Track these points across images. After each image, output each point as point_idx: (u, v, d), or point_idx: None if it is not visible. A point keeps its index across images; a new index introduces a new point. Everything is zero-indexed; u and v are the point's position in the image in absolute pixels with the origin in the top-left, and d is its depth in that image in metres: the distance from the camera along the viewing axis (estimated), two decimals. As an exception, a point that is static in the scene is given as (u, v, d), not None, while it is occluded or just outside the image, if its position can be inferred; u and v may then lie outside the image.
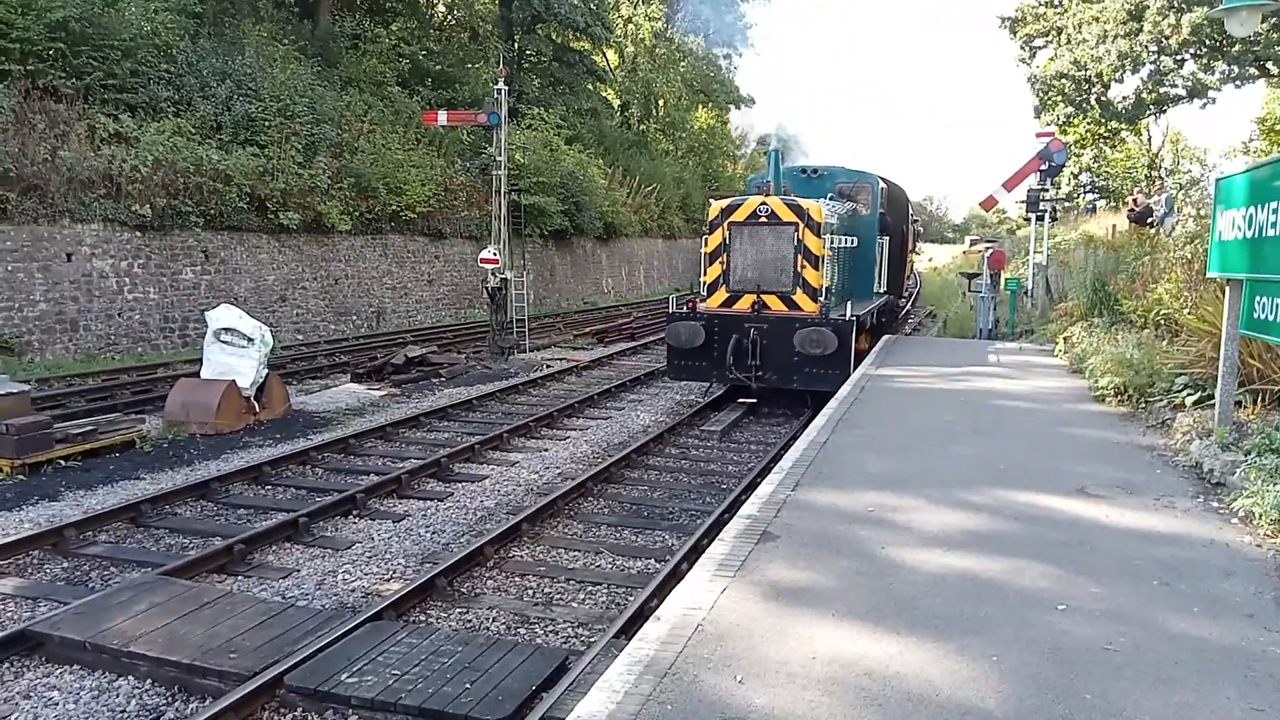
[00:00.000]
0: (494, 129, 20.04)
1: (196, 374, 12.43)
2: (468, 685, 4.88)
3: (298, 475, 9.80)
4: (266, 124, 21.28)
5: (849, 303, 13.43)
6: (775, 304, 13.31)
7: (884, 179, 18.04)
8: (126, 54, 18.92)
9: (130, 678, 5.24)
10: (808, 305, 13.19)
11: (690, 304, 13.92)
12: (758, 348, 12.92)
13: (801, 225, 13.14)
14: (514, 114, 30.58)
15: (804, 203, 13.46)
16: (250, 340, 11.95)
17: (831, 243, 13.68)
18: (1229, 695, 3.61)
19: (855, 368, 12.88)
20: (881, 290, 17.67)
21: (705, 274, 13.94)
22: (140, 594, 6.01)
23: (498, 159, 20.10)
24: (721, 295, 13.62)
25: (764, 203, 13.34)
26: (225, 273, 19.37)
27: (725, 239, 13.53)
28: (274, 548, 7.50)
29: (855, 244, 15.57)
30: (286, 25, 27.88)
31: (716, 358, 13.17)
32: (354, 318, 23.10)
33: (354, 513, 8.42)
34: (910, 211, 23.27)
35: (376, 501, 8.76)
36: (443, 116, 21.75)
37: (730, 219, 13.48)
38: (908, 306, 26.17)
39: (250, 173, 19.81)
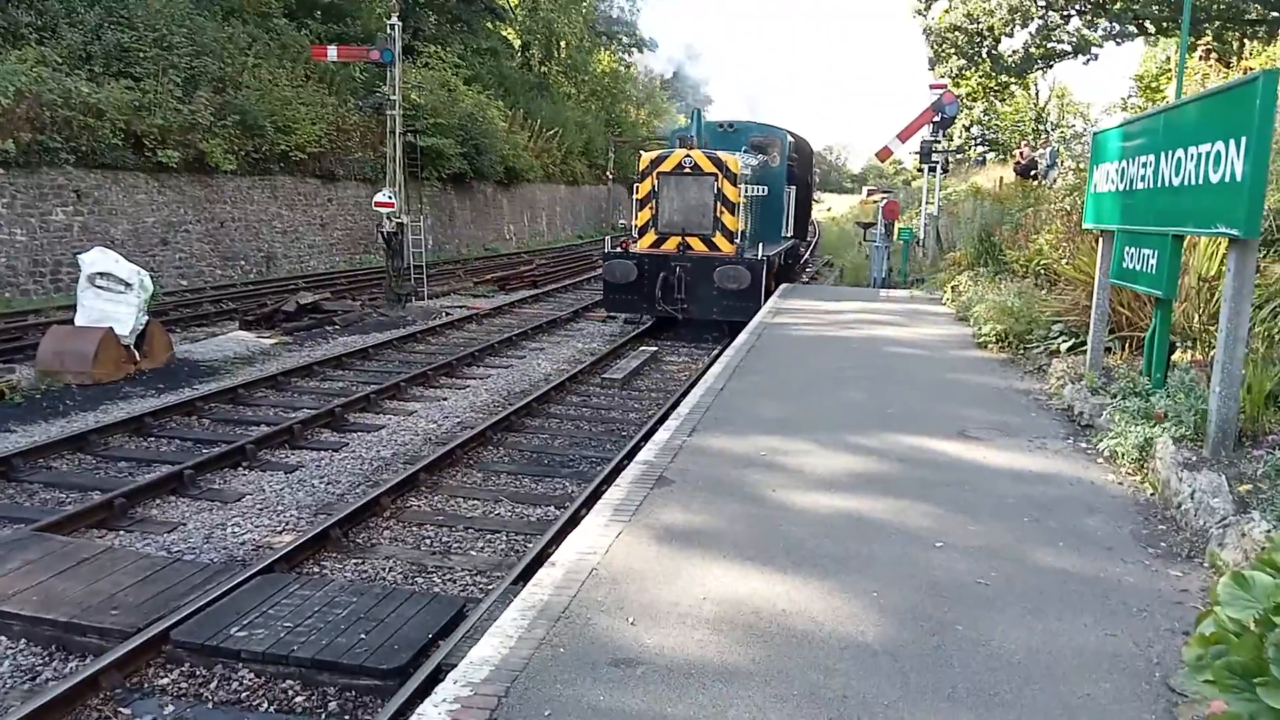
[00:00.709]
0: (388, 66, 19.29)
1: (70, 321, 11.78)
2: (362, 635, 4.85)
3: (183, 426, 9.44)
4: (141, 55, 20.03)
5: (761, 244, 15.29)
6: (698, 245, 14.98)
7: (792, 133, 19.52)
8: (-20, -26, 17.48)
9: (3, 638, 5.02)
10: (726, 246, 14.89)
11: (624, 244, 15.72)
12: (682, 284, 14.70)
13: (720, 176, 14.77)
14: (409, 51, 29.54)
15: (723, 156, 15.02)
16: (128, 285, 11.37)
17: (746, 191, 15.29)
18: (1087, 622, 3.87)
19: (765, 301, 14.53)
20: (789, 234, 19.54)
21: (636, 218, 15.49)
22: (12, 551, 5.73)
23: (392, 98, 19.39)
24: (651, 237, 15.23)
25: (688, 155, 15.01)
26: (100, 214, 18.29)
27: (654, 187, 15.12)
28: (158, 501, 7.24)
29: (766, 193, 17.18)
30: (161, -51, 26.09)
31: (647, 292, 14.89)
32: (242, 262, 22.19)
33: (243, 464, 8.18)
34: (813, 163, 25.46)
35: (267, 452, 8.52)
36: (332, 52, 20.80)
37: (659, 169, 15.08)
38: (807, 254, 27.72)
39: (125, 107, 18.64)
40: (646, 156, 15.54)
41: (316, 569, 6.14)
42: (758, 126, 18.81)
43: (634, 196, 15.59)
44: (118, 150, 18.50)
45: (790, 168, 18.85)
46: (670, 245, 14.99)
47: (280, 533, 6.72)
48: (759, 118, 19.36)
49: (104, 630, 4.95)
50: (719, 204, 14.79)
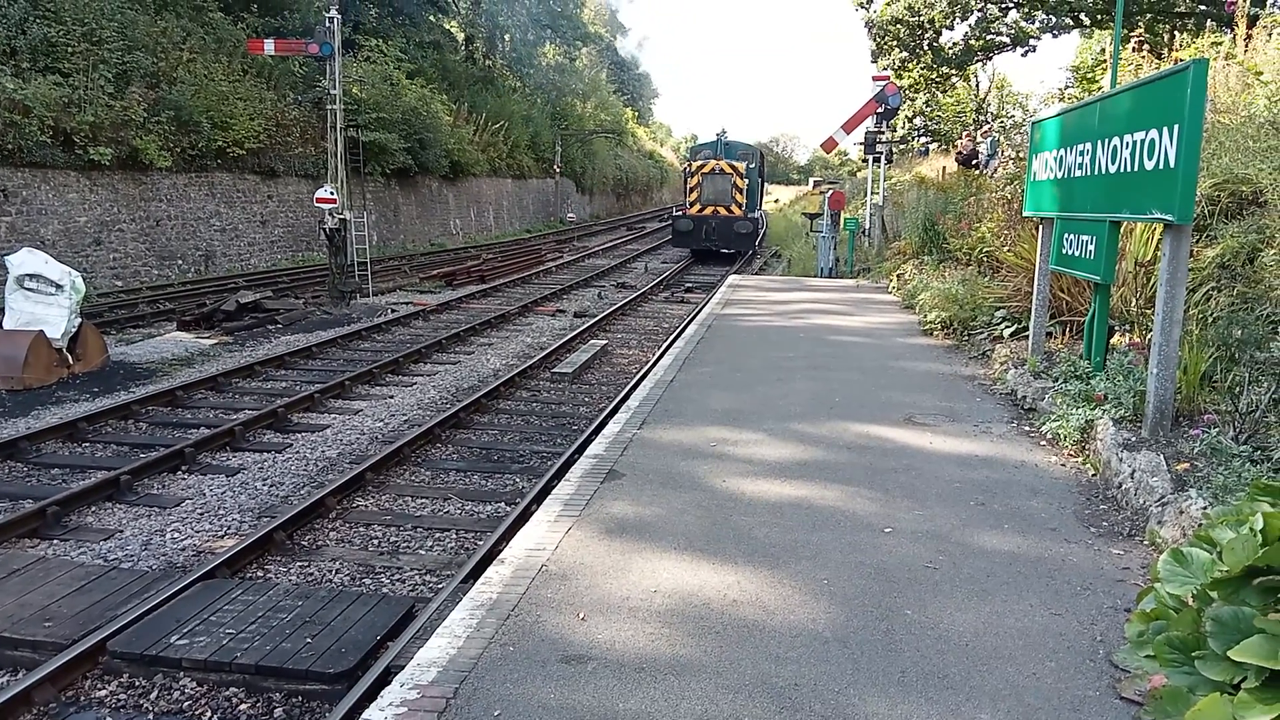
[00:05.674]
0: (327, 60, 18.91)
1: (-2, 325, 11.39)
2: (308, 640, 4.74)
3: (119, 431, 9.17)
4: (70, 49, 19.35)
5: (753, 210, 28.30)
6: (723, 211, 27.66)
7: (760, 148, 35.64)
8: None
9: (-72, 656, 4.82)
10: (738, 211, 27.64)
11: (683, 210, 28.75)
12: (716, 231, 27.49)
13: (735, 174, 27.84)
14: (350, 45, 29.05)
15: (735, 163, 28.12)
16: (59, 287, 11.01)
17: (745, 182, 27.87)
18: (1033, 603, 3.92)
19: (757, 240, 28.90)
20: (758, 207, 32.16)
21: (689, 196, 28.43)
22: (-63, 565, 5.51)
23: (332, 93, 19.01)
24: (698, 206, 27.99)
25: (718, 163, 27.98)
26: (29, 214, 17.68)
27: (700, 180, 28.05)
28: (93, 508, 7.01)
29: (749, 183, 28.58)
30: (88, -60, 25.25)
31: (695, 235, 27.78)
32: (179, 261, 21.64)
33: (183, 468, 7.96)
34: (765, 163, 39.04)
35: (208, 455, 8.31)
36: (269, 45, 20.29)
37: (702, 170, 28.17)
38: (763, 232, 34.44)
39: (53, 104, 18.01)
40: (695, 164, 28.86)
41: (260, 573, 6.00)
42: (742, 145, 30.80)
43: (687, 184, 28.92)
44: (47, 148, 17.88)
45: (759, 167, 31.68)
46: (708, 211, 27.67)
47: (222, 537, 6.56)
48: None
49: (36, 643, 4.78)
50: (733, 189, 27.70)
